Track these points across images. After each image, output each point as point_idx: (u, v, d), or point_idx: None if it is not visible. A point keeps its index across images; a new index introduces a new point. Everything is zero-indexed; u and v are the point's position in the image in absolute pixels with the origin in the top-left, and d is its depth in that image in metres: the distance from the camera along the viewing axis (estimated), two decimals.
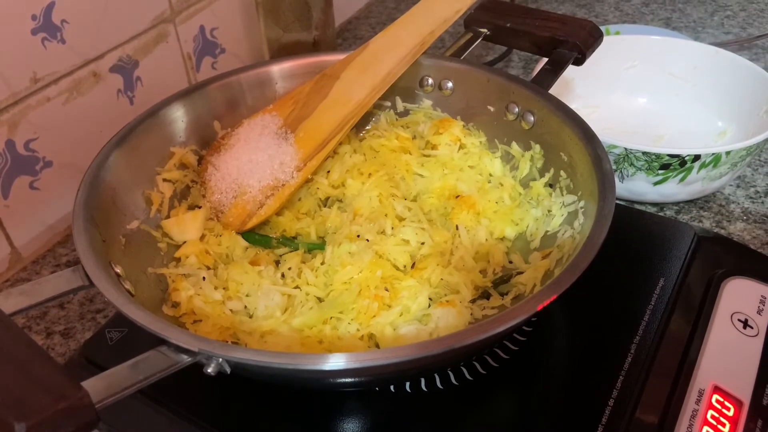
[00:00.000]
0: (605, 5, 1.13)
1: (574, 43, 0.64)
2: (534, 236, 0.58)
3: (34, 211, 0.70)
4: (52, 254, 0.71)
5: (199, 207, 0.61)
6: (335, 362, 0.39)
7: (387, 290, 0.52)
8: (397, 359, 0.40)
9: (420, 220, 0.59)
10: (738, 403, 0.49)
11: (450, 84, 0.66)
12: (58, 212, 0.72)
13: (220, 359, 0.40)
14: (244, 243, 0.59)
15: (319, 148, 0.61)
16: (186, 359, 0.40)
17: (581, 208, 0.54)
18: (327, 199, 0.64)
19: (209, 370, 0.40)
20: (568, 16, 0.68)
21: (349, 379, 0.48)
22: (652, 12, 1.11)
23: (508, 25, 0.68)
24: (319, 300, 0.54)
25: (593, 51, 0.66)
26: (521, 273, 0.55)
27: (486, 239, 0.59)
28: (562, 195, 0.57)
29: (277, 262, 0.58)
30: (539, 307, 0.42)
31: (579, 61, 0.65)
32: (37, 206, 0.70)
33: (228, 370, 0.41)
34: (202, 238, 0.59)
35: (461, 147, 0.65)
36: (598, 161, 0.52)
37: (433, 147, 0.66)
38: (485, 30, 0.70)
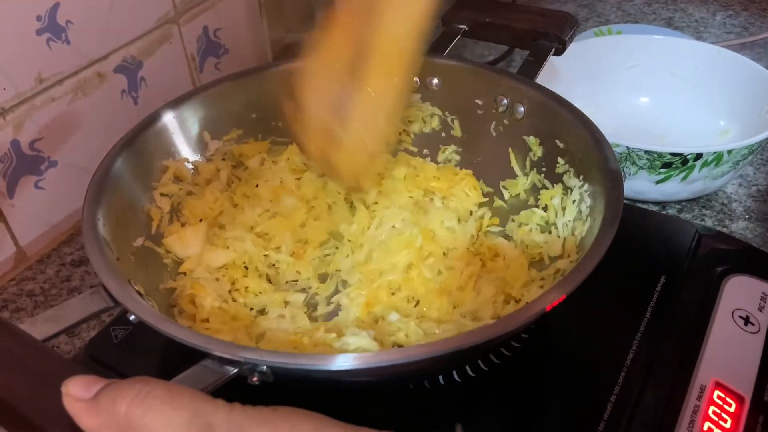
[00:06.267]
0: (607, 5, 1.14)
1: (554, 34, 0.65)
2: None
3: (39, 210, 0.70)
4: (57, 253, 0.72)
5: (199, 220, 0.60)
6: (405, 354, 0.38)
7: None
8: (458, 347, 0.39)
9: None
10: (740, 399, 0.49)
11: (436, 81, 0.66)
12: (63, 211, 0.73)
13: (265, 367, 0.38)
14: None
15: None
16: (231, 371, 0.39)
17: (586, 191, 0.55)
18: None
19: (254, 380, 0.39)
20: (547, 9, 0.69)
21: (400, 374, 0.47)
22: (654, 12, 1.11)
23: (487, 20, 0.69)
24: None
25: (572, 40, 0.67)
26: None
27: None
28: (567, 179, 0.58)
29: None
30: (548, 308, 0.41)
31: (559, 51, 0.66)
32: (42, 205, 0.70)
33: (271, 378, 0.39)
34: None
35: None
36: (597, 143, 0.53)
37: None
38: (464, 26, 0.70)
